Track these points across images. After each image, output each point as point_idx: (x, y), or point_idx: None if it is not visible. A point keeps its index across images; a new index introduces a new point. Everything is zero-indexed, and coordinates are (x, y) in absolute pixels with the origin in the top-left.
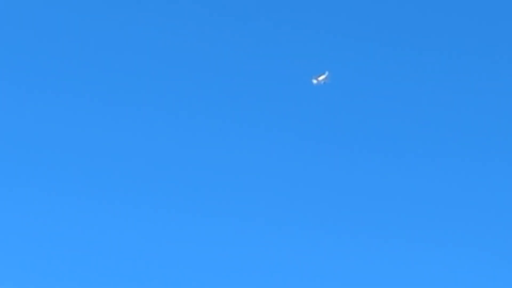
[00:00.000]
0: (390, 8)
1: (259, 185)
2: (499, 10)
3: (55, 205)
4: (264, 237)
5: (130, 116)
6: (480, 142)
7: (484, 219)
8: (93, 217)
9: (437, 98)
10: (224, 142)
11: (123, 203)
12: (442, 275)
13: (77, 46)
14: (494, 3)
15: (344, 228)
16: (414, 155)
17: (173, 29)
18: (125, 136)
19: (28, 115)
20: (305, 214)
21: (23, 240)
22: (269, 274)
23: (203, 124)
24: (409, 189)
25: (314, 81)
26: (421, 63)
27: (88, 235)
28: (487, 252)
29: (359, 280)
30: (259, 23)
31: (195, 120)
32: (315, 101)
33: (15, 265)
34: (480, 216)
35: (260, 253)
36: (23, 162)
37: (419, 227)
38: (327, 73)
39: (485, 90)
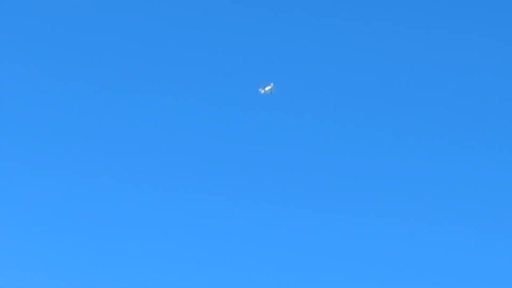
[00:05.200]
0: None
1: (259, 182)
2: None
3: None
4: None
5: (130, 114)
6: (479, 142)
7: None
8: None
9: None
10: (223, 139)
11: (123, 199)
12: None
13: (75, 44)
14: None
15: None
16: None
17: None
18: (126, 135)
19: (31, 112)
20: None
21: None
22: (268, 272)
23: (202, 123)
24: (409, 188)
25: (262, 91)
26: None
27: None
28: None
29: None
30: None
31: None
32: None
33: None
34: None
35: (259, 249)
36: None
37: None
38: (272, 84)
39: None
